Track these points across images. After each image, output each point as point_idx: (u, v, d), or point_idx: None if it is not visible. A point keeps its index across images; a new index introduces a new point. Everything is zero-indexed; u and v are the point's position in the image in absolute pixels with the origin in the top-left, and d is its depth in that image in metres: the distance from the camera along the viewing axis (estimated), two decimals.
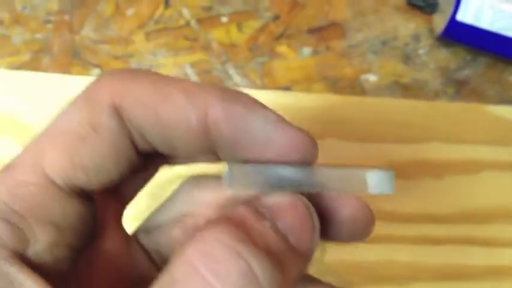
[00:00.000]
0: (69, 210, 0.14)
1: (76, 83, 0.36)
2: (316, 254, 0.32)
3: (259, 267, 0.13)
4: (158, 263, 0.19)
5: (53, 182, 0.14)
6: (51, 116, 0.15)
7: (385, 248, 0.32)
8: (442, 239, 0.33)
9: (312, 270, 0.32)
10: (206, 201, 0.18)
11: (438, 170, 0.34)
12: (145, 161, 0.17)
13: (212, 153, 0.16)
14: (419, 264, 0.32)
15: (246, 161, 0.17)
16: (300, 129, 0.16)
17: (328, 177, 0.16)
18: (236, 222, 0.14)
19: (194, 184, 0.18)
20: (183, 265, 0.13)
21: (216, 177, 0.19)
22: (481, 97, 0.38)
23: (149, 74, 0.15)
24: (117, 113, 0.15)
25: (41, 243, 0.14)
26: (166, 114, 0.14)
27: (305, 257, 0.15)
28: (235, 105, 0.15)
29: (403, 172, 0.34)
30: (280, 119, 0.15)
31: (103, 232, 0.17)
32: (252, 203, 0.15)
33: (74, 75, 0.38)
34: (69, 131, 0.14)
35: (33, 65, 0.38)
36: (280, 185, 0.15)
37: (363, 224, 0.17)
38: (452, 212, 0.33)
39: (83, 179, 0.15)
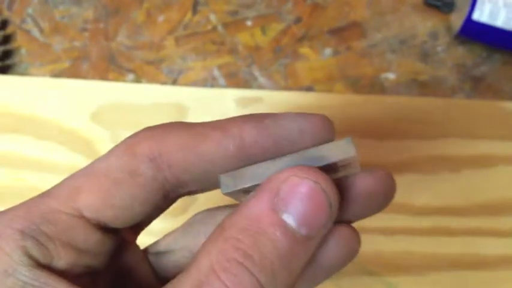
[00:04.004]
0: (91, 239, 0.17)
1: (113, 89, 0.39)
2: None
3: (265, 279, 0.15)
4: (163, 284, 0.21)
5: (81, 214, 0.17)
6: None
7: (403, 239, 0.35)
8: (457, 230, 0.35)
9: None
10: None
11: (455, 164, 0.36)
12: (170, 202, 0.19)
13: None
14: (436, 254, 0.34)
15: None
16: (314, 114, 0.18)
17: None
18: (247, 229, 0.16)
19: (208, 215, 0.21)
20: (207, 270, 0.15)
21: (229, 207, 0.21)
22: (497, 93, 0.39)
23: (182, 124, 0.18)
24: (154, 162, 0.17)
25: (63, 260, 0.16)
26: (207, 151, 0.17)
27: (318, 237, 0.16)
28: (265, 121, 0.17)
29: (422, 167, 0.36)
30: (300, 113, 0.18)
31: (123, 253, 0.20)
32: (269, 191, 0.16)
33: (111, 80, 0.40)
34: (107, 174, 0.17)
35: (73, 71, 0.41)
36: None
37: (383, 195, 0.18)
38: (468, 205, 0.35)
39: (110, 217, 0.17)
